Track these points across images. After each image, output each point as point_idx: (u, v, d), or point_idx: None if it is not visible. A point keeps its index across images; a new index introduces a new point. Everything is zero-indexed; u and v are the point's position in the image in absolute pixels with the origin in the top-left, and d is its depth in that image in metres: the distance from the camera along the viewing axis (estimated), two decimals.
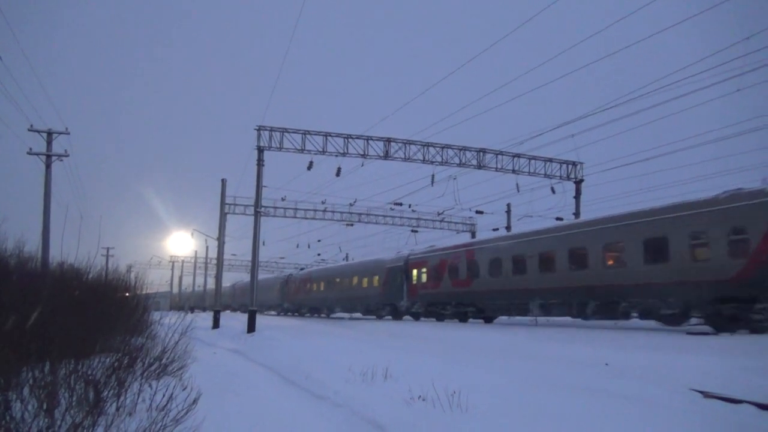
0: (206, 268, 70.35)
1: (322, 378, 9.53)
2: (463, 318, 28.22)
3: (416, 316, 32.84)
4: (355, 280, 39.50)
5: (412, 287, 32.30)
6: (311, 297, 48.23)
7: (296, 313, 53.07)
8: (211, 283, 67.60)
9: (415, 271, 32.28)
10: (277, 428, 6.59)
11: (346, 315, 43.44)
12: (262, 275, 71.45)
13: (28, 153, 25.43)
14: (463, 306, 27.94)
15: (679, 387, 7.32)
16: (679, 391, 7.11)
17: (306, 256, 60.08)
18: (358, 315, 41.25)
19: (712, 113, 25.40)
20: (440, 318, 29.76)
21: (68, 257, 12.27)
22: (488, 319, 27.82)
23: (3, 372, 4.61)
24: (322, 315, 47.41)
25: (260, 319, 26.07)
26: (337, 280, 43.00)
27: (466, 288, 27.48)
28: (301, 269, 55.47)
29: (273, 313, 58.16)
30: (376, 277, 36.68)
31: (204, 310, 62.64)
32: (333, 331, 22.26)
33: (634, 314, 19.24)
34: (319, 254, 57.32)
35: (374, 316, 37.21)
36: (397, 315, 34.44)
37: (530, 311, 23.08)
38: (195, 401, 5.57)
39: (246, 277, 73.80)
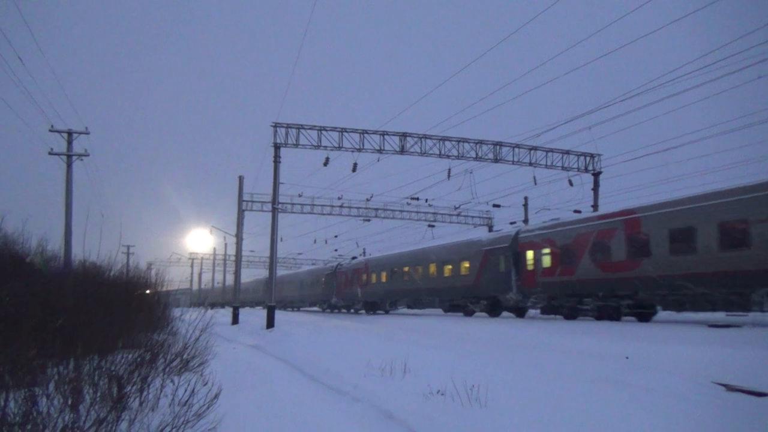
0: (225, 265, 70.89)
1: (341, 373, 9.57)
2: (613, 314, 20.96)
3: (522, 312, 27.25)
4: (433, 268, 33.25)
5: (528, 275, 25.15)
6: (369, 290, 41.15)
7: (346, 310, 47.70)
8: (230, 280, 67.70)
9: (530, 253, 25.12)
10: (297, 422, 6.64)
11: (415, 311, 37.60)
12: (295, 269, 66.70)
13: (50, 153, 25.83)
14: (617, 298, 20.81)
15: (701, 380, 7.23)
16: (702, 384, 7.03)
17: (323, 251, 60.25)
18: (430, 311, 35.65)
19: (734, 101, 24.95)
20: (571, 315, 22.95)
21: (90, 255, 12.46)
22: (645, 316, 20.76)
23: (29, 368, 4.70)
24: (379, 312, 40.72)
25: (278, 315, 26.23)
26: (406, 269, 36.32)
27: (626, 273, 20.16)
28: (353, 258, 47.73)
29: (315, 309, 53.09)
30: (467, 263, 30.24)
31: (223, 306, 63.03)
32: (352, 327, 22.33)
33: None
34: (336, 250, 57.41)
35: (461, 313, 31.05)
36: (495, 311, 28.58)
37: (751, 302, 16.23)
38: (216, 396, 5.63)
39: (267, 273, 74.18)
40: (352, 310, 46.80)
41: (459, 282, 30.51)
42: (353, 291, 43.98)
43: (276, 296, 52.40)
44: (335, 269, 47.82)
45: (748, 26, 18.09)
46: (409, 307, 38.14)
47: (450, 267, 31.84)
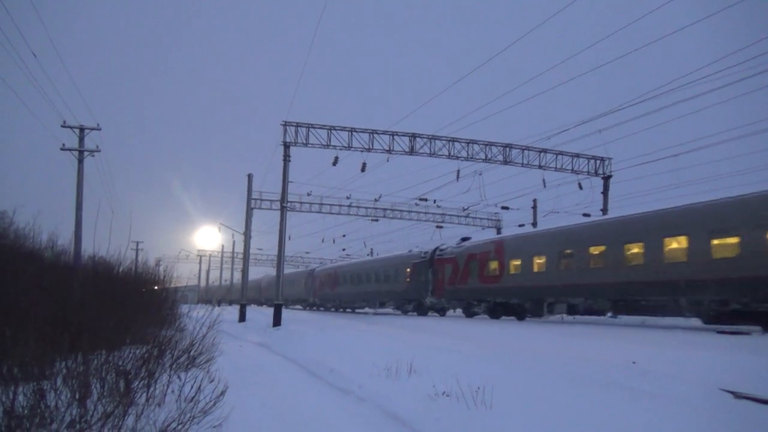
0: (233, 263, 71.14)
1: (347, 372, 9.58)
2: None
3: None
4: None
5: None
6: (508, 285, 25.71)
7: (444, 312, 34.32)
8: (238, 277, 67.31)
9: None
10: (302, 421, 6.66)
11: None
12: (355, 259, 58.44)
13: (62, 149, 26.02)
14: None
15: (708, 386, 7.18)
16: (709, 391, 6.97)
17: (331, 250, 60.29)
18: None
19: (748, 106, 24.73)
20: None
21: (100, 250, 12.55)
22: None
23: (38, 362, 4.74)
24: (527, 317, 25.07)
25: (285, 313, 26.31)
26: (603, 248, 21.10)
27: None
28: (464, 239, 31.55)
29: (388, 311, 38.68)
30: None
31: (230, 303, 63.23)
32: (358, 326, 22.34)
33: None
34: (344, 249, 57.43)
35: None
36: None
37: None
38: (222, 393, 5.66)
39: (274, 271, 73.58)
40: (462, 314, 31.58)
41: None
42: (475, 285, 27.91)
43: (326, 293, 49.10)
44: (432, 254, 32.10)
45: (764, 30, 17.95)
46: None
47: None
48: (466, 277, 28.48)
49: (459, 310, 32.70)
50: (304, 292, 54.03)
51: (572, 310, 22.79)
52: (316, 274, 52.81)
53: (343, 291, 45.58)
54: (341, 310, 47.03)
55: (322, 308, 51.30)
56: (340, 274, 46.82)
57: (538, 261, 23.99)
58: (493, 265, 26.54)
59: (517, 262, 25.13)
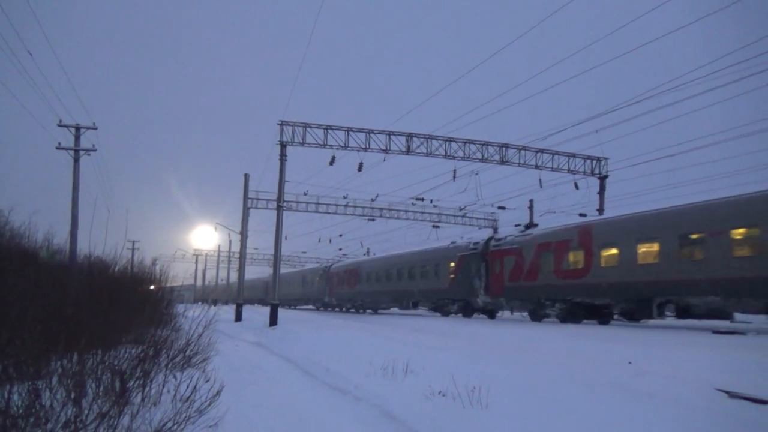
0: (229, 262, 71.05)
1: (343, 372, 9.59)
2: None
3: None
4: None
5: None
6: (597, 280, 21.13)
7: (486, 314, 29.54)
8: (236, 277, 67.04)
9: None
10: (299, 421, 6.66)
11: None
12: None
13: (57, 148, 25.95)
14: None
15: (703, 386, 7.20)
16: (704, 390, 7.00)
17: (327, 250, 60.23)
18: None
19: (744, 107, 24.83)
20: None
21: (95, 250, 12.50)
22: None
23: (33, 361, 4.73)
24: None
25: (281, 313, 26.29)
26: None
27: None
28: (529, 226, 27.70)
29: (427, 313, 34.24)
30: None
31: (226, 303, 63.11)
32: (354, 326, 22.35)
33: None
34: (340, 249, 57.40)
35: None
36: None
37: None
38: (218, 393, 5.65)
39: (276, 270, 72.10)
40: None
41: None
42: (549, 281, 23.24)
43: (344, 292, 44.48)
44: (486, 246, 27.42)
45: (760, 31, 18.02)
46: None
47: None
48: (534, 272, 23.61)
49: (511, 312, 30.21)
50: (317, 291, 50.48)
51: (685, 312, 18.52)
52: (333, 271, 48.61)
53: (365, 289, 40.95)
54: (362, 311, 43.19)
55: (338, 309, 47.78)
56: (362, 270, 42.18)
57: (647, 249, 19.15)
58: (576, 256, 21.77)
59: (612, 252, 20.43)
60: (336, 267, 49.03)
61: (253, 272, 72.45)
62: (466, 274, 28.54)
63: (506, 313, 29.76)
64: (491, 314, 28.83)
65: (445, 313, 30.86)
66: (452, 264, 30.23)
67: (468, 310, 28.93)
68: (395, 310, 39.85)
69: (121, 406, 4.77)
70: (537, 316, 23.63)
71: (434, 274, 32.12)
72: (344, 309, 46.32)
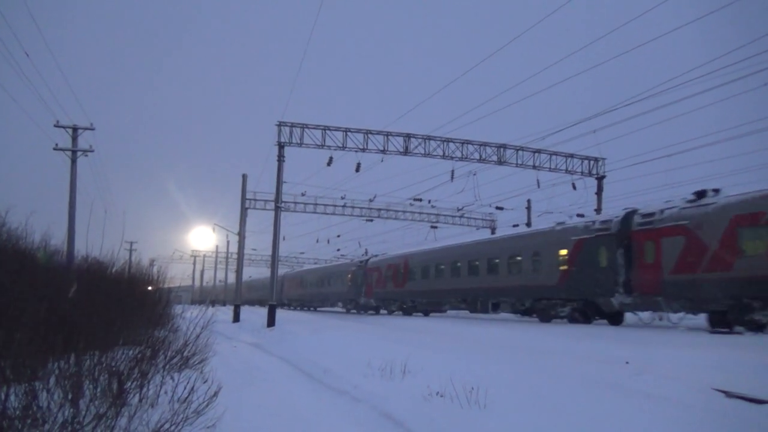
0: (227, 263, 70.98)
1: (341, 372, 9.58)
2: None
3: None
4: None
5: None
6: None
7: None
8: (232, 278, 65.41)
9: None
10: (296, 422, 6.65)
11: None
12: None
13: (55, 149, 25.93)
14: None
15: (701, 386, 7.21)
16: (701, 390, 7.01)
17: (325, 251, 60.12)
18: None
19: (741, 107, 24.89)
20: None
21: (93, 251, 12.48)
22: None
23: (30, 362, 4.72)
24: None
25: (279, 314, 26.29)
26: None
27: None
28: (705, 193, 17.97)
29: (514, 317, 26.69)
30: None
31: (224, 304, 62.92)
32: (352, 326, 22.35)
33: None
34: (338, 249, 57.32)
35: None
36: None
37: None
38: (216, 394, 5.64)
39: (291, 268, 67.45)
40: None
41: None
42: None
43: (388, 291, 36.46)
44: (626, 223, 20.13)
45: (757, 32, 18.07)
46: None
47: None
48: (726, 258, 16.35)
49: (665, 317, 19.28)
50: (349, 291, 43.39)
51: None
52: (372, 265, 40.67)
53: (418, 287, 33.53)
54: (415, 312, 35.22)
55: (381, 310, 39.92)
56: (415, 263, 34.43)
57: None
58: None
59: None
60: (376, 261, 40.57)
61: (261, 272, 71.53)
62: (588, 264, 21.20)
63: (629, 315, 21.76)
64: (616, 319, 21.50)
65: (547, 318, 23.28)
66: (563, 252, 22.64)
67: (589, 313, 21.74)
68: (449, 312, 33.67)
69: (119, 407, 4.76)
70: (731, 321, 16.37)
71: (531, 266, 24.73)
72: (388, 310, 38.50)
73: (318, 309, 53.65)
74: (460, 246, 31.73)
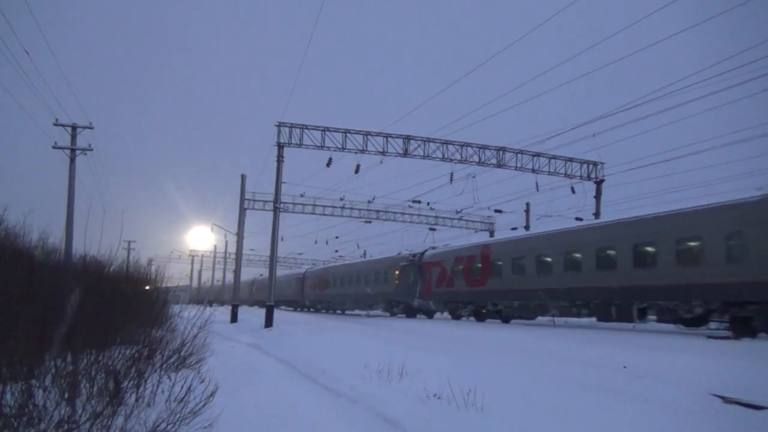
0: (225, 263, 70.92)
1: (338, 374, 9.57)
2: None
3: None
4: None
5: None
6: None
7: None
8: (230, 278, 64.51)
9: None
10: (293, 423, 6.64)
11: None
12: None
13: (53, 147, 25.88)
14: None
15: (699, 391, 7.22)
16: (699, 396, 7.01)
17: (324, 252, 60.06)
18: None
19: (740, 113, 24.94)
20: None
21: (91, 250, 12.46)
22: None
23: (27, 361, 4.70)
24: None
25: (277, 314, 26.26)
26: None
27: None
28: None
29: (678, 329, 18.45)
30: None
31: (222, 304, 62.73)
32: (350, 328, 22.33)
33: None
34: (336, 251, 57.25)
35: None
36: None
37: None
38: (213, 394, 5.63)
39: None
40: None
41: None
42: None
43: (458, 289, 27.28)
44: None
45: (755, 38, 18.11)
46: None
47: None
48: None
49: None
50: (397, 291, 34.55)
51: None
52: (431, 259, 31.19)
53: (506, 285, 24.77)
54: (497, 318, 26.53)
55: (446, 314, 31.41)
56: (502, 252, 25.74)
57: None
58: None
59: None
60: (437, 253, 31.48)
61: (247, 273, 70.91)
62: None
63: None
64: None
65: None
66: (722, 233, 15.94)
67: None
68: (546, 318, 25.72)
69: (115, 407, 4.75)
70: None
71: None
72: (453, 315, 29.72)
73: (344, 311, 46.21)
74: (589, 228, 22.74)
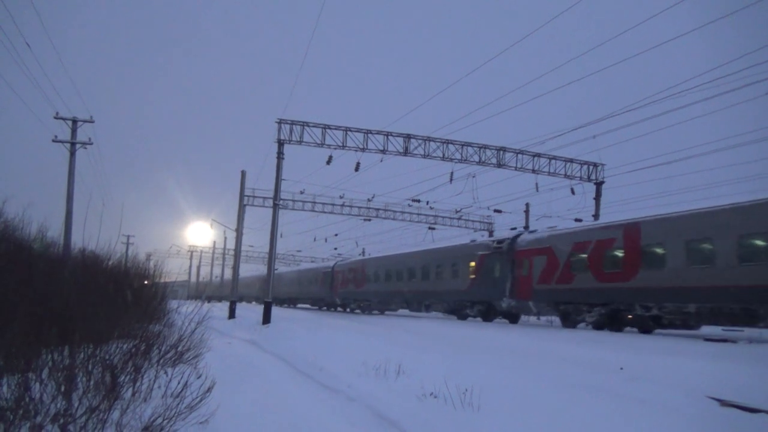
0: (224, 259, 70.98)
1: (336, 371, 9.57)
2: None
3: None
4: None
5: None
6: None
7: None
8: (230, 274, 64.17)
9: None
10: (290, 419, 6.63)
11: None
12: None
13: (54, 140, 25.87)
14: None
15: (695, 393, 7.22)
16: (695, 398, 7.01)
17: (323, 249, 59.94)
18: None
19: (742, 116, 24.94)
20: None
21: (90, 243, 12.46)
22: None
23: (24, 354, 4.70)
24: None
25: (275, 311, 26.26)
26: None
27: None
28: None
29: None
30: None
31: (221, 300, 62.71)
32: (348, 326, 22.34)
33: None
34: (335, 248, 57.16)
35: None
36: None
37: None
38: (209, 389, 5.63)
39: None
40: None
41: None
42: None
43: (577, 285, 19.78)
44: None
45: (758, 41, 18.10)
46: None
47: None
48: None
49: None
50: (473, 288, 27.59)
51: None
52: (534, 243, 24.09)
53: (672, 280, 17.60)
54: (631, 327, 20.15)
55: (533, 317, 26.92)
56: (666, 232, 18.11)
57: None
58: None
59: None
60: (533, 238, 24.54)
61: (245, 269, 70.34)
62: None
63: None
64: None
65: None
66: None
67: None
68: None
69: (111, 401, 4.74)
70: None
71: None
72: (568, 322, 22.31)
73: (384, 312, 39.32)
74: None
